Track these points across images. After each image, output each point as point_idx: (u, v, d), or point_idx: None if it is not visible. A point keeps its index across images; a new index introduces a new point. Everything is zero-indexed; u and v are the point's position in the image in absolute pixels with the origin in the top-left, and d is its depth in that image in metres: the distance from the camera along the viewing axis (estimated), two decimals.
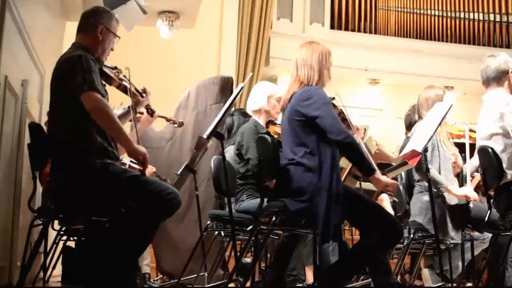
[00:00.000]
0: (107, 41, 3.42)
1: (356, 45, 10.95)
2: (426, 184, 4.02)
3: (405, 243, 4.33)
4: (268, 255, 4.70)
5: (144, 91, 3.71)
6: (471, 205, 4.25)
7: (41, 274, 4.01)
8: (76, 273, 3.65)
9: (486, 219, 3.91)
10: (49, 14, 5.16)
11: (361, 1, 11.40)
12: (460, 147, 4.65)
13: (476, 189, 4.39)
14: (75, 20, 3.55)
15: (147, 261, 5.43)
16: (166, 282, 5.26)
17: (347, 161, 4.82)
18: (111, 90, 3.44)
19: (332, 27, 11.20)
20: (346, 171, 4.87)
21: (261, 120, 4.49)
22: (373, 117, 11.25)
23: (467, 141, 4.34)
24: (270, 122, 4.55)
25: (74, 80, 3.11)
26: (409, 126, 4.97)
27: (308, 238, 4.47)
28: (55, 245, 4.28)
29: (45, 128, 3.64)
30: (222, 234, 4.55)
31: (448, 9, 11.73)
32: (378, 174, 3.42)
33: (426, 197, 4.19)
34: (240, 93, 4.09)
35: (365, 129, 5.00)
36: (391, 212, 4.73)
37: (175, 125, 4.47)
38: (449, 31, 11.71)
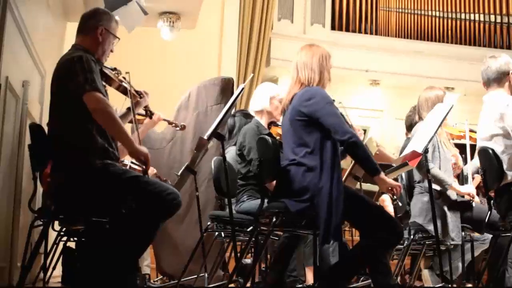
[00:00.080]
0: (107, 42, 3.42)
1: (357, 46, 10.96)
2: (427, 185, 4.02)
3: (405, 244, 4.33)
4: (268, 256, 4.70)
5: (143, 92, 3.72)
6: (473, 204, 4.26)
7: (41, 274, 4.01)
8: (76, 274, 3.65)
9: (486, 220, 3.92)
10: (50, 14, 5.16)
11: (362, 2, 11.41)
12: (461, 148, 4.65)
13: (477, 190, 4.39)
14: (75, 21, 3.55)
15: (147, 262, 5.43)
16: (166, 283, 5.26)
17: (347, 162, 4.84)
18: (109, 91, 3.44)
19: (333, 28, 11.22)
20: (347, 172, 4.87)
21: (263, 121, 4.50)
22: (374, 118, 11.26)
23: (467, 141, 4.34)
24: (272, 123, 4.55)
25: (75, 81, 3.12)
26: (410, 127, 4.98)
27: (309, 239, 4.47)
28: (55, 246, 4.27)
29: (46, 128, 3.65)
30: (223, 235, 4.55)
31: (449, 10, 11.75)
32: (383, 174, 3.42)
33: (426, 198, 4.20)
34: (241, 94, 4.09)
35: (365, 130, 5.00)
36: (392, 213, 4.73)
37: (177, 128, 4.47)
38: (449, 32, 11.72)
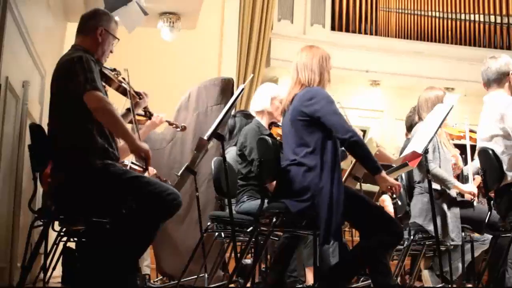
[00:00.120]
0: (106, 43, 3.43)
1: (357, 46, 10.96)
2: (427, 185, 4.03)
3: (405, 245, 4.33)
4: (268, 256, 4.70)
5: (142, 93, 3.73)
6: (475, 202, 4.27)
7: (41, 275, 4.01)
8: (76, 274, 3.65)
9: (486, 220, 3.92)
10: (50, 15, 5.16)
11: (362, 3, 11.40)
12: (461, 148, 4.65)
13: (477, 190, 4.39)
14: (76, 21, 3.55)
15: (147, 262, 5.43)
16: (166, 283, 5.26)
17: (347, 163, 4.84)
18: (108, 92, 3.45)
19: (333, 28, 11.21)
20: (347, 173, 4.88)
21: (264, 122, 4.50)
22: (374, 119, 11.26)
23: (467, 141, 4.34)
24: (272, 124, 4.55)
25: (76, 81, 3.12)
26: (410, 127, 4.98)
27: (309, 240, 4.47)
28: (55, 246, 4.27)
29: (46, 129, 3.65)
30: (223, 235, 4.55)
31: (449, 10, 11.74)
32: (384, 173, 3.43)
33: (426, 199, 4.20)
34: (241, 94, 4.09)
35: (365, 131, 5.01)
36: (393, 213, 4.73)
37: (178, 129, 4.47)
38: (449, 32, 11.72)
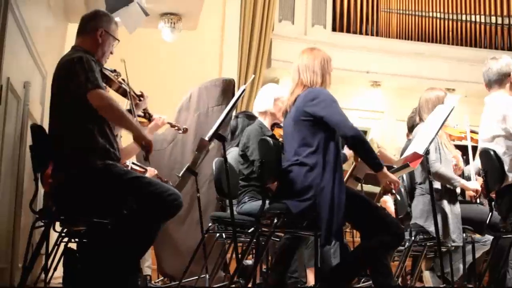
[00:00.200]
0: (106, 44, 3.44)
1: (358, 47, 10.97)
2: (428, 186, 4.03)
3: (406, 246, 4.33)
4: (270, 257, 4.70)
5: (142, 94, 3.73)
6: (478, 200, 4.28)
7: (43, 275, 4.01)
8: (77, 275, 3.65)
9: (487, 221, 3.92)
10: (51, 15, 5.17)
11: (363, 3, 11.41)
12: (462, 150, 4.65)
13: None
14: (76, 22, 3.56)
15: (148, 263, 5.43)
16: (167, 284, 5.26)
17: (348, 163, 4.84)
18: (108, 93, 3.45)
19: (334, 29, 11.22)
20: (348, 173, 4.88)
21: (267, 122, 4.51)
22: (375, 120, 11.26)
23: (468, 142, 4.34)
24: (275, 125, 4.56)
25: (77, 81, 3.13)
26: (411, 128, 4.97)
27: (310, 240, 4.47)
28: (56, 247, 4.27)
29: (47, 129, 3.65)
30: (224, 236, 4.55)
31: (450, 11, 11.75)
32: (386, 169, 3.48)
33: (427, 200, 4.20)
34: (242, 95, 4.09)
35: (365, 132, 5.02)
36: (394, 214, 4.74)
37: (180, 131, 4.47)
38: (450, 33, 11.72)
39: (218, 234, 4.56)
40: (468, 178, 4.41)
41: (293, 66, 3.63)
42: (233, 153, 4.61)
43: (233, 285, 4.10)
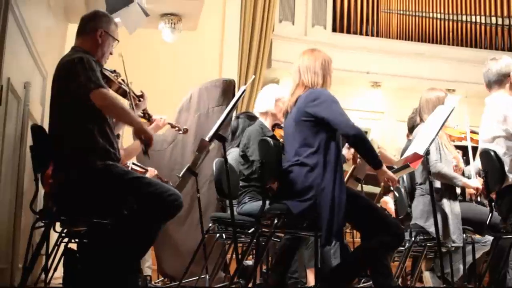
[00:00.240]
0: (106, 44, 3.44)
1: (358, 48, 10.97)
2: (428, 187, 4.03)
3: (406, 246, 4.33)
4: (270, 258, 4.69)
5: (142, 95, 3.73)
6: (479, 199, 4.28)
7: (43, 276, 4.01)
8: (78, 275, 3.65)
9: (487, 222, 3.91)
10: (51, 15, 5.17)
11: (363, 4, 11.41)
12: (462, 150, 4.64)
13: None
14: (77, 22, 3.56)
15: (148, 263, 5.43)
16: (168, 285, 5.26)
17: (348, 164, 4.84)
18: None
19: (334, 29, 11.22)
20: (348, 174, 4.88)
21: (268, 123, 4.51)
22: (375, 120, 11.25)
23: (468, 142, 4.34)
24: (276, 125, 4.56)
25: (77, 81, 3.13)
26: (412, 129, 4.98)
27: (310, 241, 4.47)
28: (56, 247, 4.27)
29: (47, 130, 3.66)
30: (224, 237, 4.55)
31: (450, 12, 11.75)
32: (385, 167, 3.51)
33: (427, 200, 4.19)
34: (242, 96, 4.09)
35: (366, 132, 5.02)
36: (394, 214, 4.74)
37: (180, 132, 4.47)
38: (451, 34, 11.73)
39: (218, 235, 4.55)
40: (468, 178, 4.41)
41: (294, 67, 3.63)
42: (233, 154, 4.61)
43: (233, 286, 4.10)
